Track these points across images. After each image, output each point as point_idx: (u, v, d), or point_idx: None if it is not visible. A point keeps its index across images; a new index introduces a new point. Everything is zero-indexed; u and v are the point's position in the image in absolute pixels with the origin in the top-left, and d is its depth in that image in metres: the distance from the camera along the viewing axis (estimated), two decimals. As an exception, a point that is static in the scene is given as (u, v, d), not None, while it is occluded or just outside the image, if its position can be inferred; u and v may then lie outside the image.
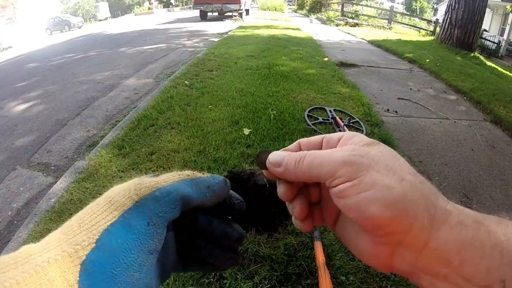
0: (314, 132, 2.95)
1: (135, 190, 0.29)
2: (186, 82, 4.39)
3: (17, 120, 4.21)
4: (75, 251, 0.25)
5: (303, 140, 0.36)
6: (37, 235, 1.90)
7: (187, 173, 0.32)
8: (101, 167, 2.55)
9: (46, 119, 4.13)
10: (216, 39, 9.16)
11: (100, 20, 32.60)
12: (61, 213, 2.07)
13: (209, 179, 0.33)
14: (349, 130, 2.80)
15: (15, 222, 2.37)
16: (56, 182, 2.58)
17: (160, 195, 0.28)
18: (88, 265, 0.25)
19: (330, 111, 3.41)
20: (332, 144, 0.34)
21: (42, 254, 0.25)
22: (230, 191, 0.35)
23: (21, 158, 3.21)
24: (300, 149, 0.36)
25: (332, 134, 0.35)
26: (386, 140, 3.07)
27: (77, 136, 3.58)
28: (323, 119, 3.24)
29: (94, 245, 0.26)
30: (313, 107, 3.52)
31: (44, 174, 2.92)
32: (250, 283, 1.52)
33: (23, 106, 4.75)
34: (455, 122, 3.95)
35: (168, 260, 0.34)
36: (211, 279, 1.53)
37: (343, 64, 6.21)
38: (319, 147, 0.35)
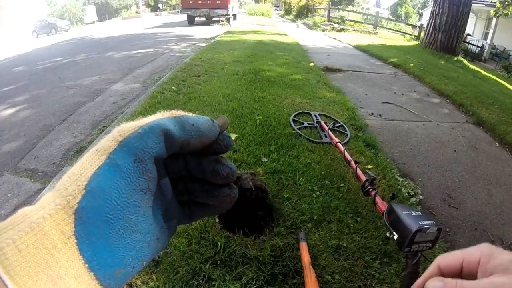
0: (299, 137, 3.02)
1: (118, 132, 0.28)
2: (173, 87, 4.41)
3: (3, 125, 4.16)
4: (67, 202, 0.25)
5: (442, 262, 0.35)
6: None
7: (171, 112, 0.32)
8: None
9: (33, 124, 4.10)
10: (203, 44, 9.21)
11: (87, 24, 32.17)
12: None
13: (194, 117, 0.32)
14: (333, 134, 2.85)
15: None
16: (44, 188, 2.58)
17: (143, 131, 0.28)
18: (81, 213, 0.25)
19: (315, 115, 3.47)
20: (472, 265, 0.33)
21: (37, 212, 0.25)
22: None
23: (8, 164, 3.18)
24: (441, 272, 0.35)
25: (470, 252, 0.34)
26: (370, 144, 3.16)
27: (64, 142, 3.57)
28: (308, 123, 3.29)
29: (84, 191, 0.25)
30: (299, 112, 3.58)
31: (32, 180, 2.90)
32: (238, 284, 1.56)
33: (9, 111, 4.69)
34: (438, 124, 4.05)
35: (171, 211, 0.34)
36: (200, 281, 1.57)
37: (328, 69, 6.30)
38: (459, 268, 0.34)
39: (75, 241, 0.24)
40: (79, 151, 3.28)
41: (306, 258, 1.67)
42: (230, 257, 1.70)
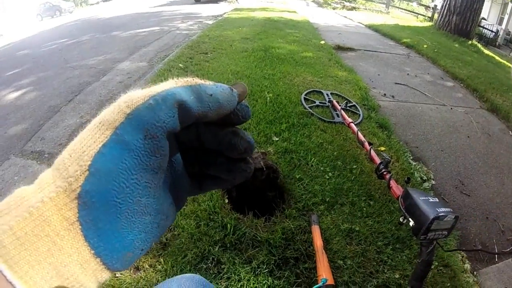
0: (311, 116, 2.92)
1: (125, 103, 0.25)
2: (180, 65, 4.31)
3: (9, 109, 4.09)
4: (69, 185, 0.23)
5: None
6: None
7: (186, 79, 0.28)
8: None
9: (39, 106, 4.03)
10: (210, 22, 9.02)
11: (92, 4, 31.65)
12: None
13: (212, 86, 0.28)
14: (346, 114, 2.77)
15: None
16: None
17: (154, 103, 0.25)
18: (85, 197, 0.22)
19: (327, 94, 3.37)
20: None
21: (35, 195, 0.23)
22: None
23: (15, 146, 3.13)
24: None
25: None
26: (383, 125, 3.07)
27: (70, 123, 3.50)
28: (320, 102, 3.19)
29: (87, 172, 0.23)
30: (310, 90, 3.47)
31: (38, 162, 2.85)
32: (248, 268, 1.51)
33: (15, 94, 4.62)
34: (451, 108, 3.94)
35: (180, 183, 0.32)
36: (209, 264, 1.52)
37: (340, 48, 6.14)
38: None
39: (80, 227, 0.22)
40: None
41: (318, 242, 1.61)
42: (240, 240, 1.65)
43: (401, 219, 1.28)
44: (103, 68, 5.34)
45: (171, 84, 0.27)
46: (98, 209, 0.23)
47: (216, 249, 1.58)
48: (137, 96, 0.25)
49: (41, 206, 0.22)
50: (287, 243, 1.65)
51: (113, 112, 0.25)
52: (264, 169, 1.81)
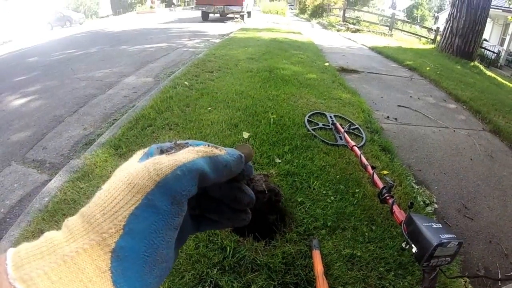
0: (314, 138, 2.92)
1: (155, 171, 0.28)
2: (186, 82, 4.36)
3: (14, 115, 4.15)
4: (103, 239, 0.25)
5: None
6: (29, 235, 1.85)
7: (204, 150, 0.31)
8: (96, 167, 2.51)
9: (43, 115, 4.07)
10: (217, 40, 9.15)
11: (102, 17, 32.36)
12: (54, 213, 2.02)
13: (226, 157, 0.32)
14: (349, 136, 2.76)
15: (8, 219, 2.31)
16: (50, 180, 2.53)
17: (181, 173, 0.28)
18: (119, 252, 0.25)
19: (331, 116, 3.38)
20: None
21: (68, 244, 0.25)
22: None
23: (16, 153, 3.16)
24: None
25: None
26: (386, 148, 3.06)
27: (73, 134, 3.53)
28: (323, 124, 3.20)
29: (122, 231, 0.26)
30: (313, 112, 3.48)
31: (39, 171, 2.86)
32: (246, 292, 1.48)
33: (21, 101, 4.69)
34: (454, 131, 3.93)
35: (185, 226, 0.34)
36: (207, 287, 1.50)
37: (343, 70, 6.20)
38: None
39: (110, 275, 0.25)
40: (88, 143, 3.23)
41: (319, 267, 1.59)
42: (239, 263, 1.62)
43: (403, 245, 1.26)
44: (109, 81, 5.42)
45: (193, 155, 0.30)
46: (129, 261, 0.25)
47: (215, 272, 1.56)
48: (165, 165, 0.28)
49: (75, 255, 0.24)
50: (287, 267, 1.62)
51: (144, 178, 0.27)
52: (266, 191, 1.80)
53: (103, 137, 3.02)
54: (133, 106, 3.98)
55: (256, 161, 2.48)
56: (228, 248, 1.67)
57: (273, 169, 2.38)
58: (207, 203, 0.36)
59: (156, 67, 6.27)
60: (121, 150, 2.72)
